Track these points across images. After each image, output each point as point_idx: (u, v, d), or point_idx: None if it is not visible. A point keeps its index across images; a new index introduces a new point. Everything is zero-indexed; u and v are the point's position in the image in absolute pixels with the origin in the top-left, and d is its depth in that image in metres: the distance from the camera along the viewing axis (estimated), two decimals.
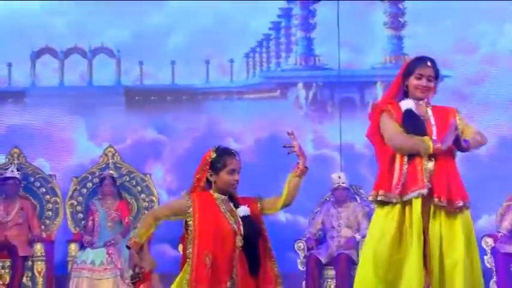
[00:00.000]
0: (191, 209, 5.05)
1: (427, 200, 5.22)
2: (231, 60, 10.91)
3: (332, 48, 10.72)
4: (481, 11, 10.63)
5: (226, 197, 5.17)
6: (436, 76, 5.42)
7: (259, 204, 5.22)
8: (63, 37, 10.84)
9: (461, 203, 5.26)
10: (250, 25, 10.89)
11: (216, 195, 5.15)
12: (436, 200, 5.21)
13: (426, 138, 5.20)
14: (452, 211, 5.24)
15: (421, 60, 5.41)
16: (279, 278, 5.14)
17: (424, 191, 5.19)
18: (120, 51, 10.89)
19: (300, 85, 10.89)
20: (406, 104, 5.33)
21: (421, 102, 5.37)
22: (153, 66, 10.93)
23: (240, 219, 5.10)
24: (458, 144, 5.20)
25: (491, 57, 10.72)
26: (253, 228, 5.10)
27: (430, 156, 5.22)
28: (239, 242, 5.05)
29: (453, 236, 5.25)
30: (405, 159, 5.23)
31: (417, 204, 5.20)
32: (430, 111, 5.37)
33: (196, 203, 5.08)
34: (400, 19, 10.81)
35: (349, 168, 10.29)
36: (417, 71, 5.37)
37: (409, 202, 5.23)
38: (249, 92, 10.92)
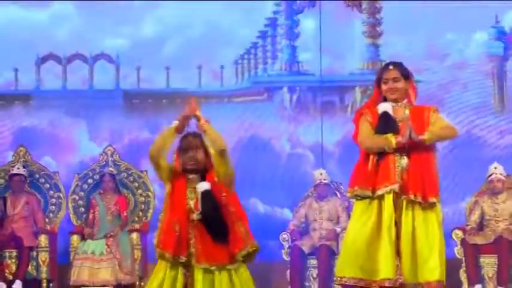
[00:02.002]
0: (170, 177, 5.16)
1: (399, 195, 5.20)
2: (222, 66, 10.88)
3: (314, 55, 10.72)
4: (451, 21, 10.63)
5: (196, 176, 5.19)
6: (404, 75, 5.42)
7: (214, 171, 5.20)
8: (66, 44, 10.79)
9: (434, 200, 5.28)
10: (239, 34, 10.87)
11: (186, 174, 5.18)
12: (411, 196, 5.20)
13: (389, 135, 5.25)
14: (426, 206, 5.23)
15: (384, 67, 5.52)
16: (248, 237, 5.13)
17: (395, 187, 5.19)
18: (119, 57, 10.84)
19: (285, 89, 10.87)
20: (383, 107, 5.35)
21: (399, 104, 5.38)
22: (149, 72, 10.90)
23: (200, 196, 5.11)
24: (411, 137, 5.20)
25: (460, 64, 10.71)
26: (210, 203, 5.08)
27: (403, 154, 5.20)
28: (195, 217, 5.08)
29: (427, 227, 5.28)
30: (376, 157, 5.26)
31: (389, 199, 5.23)
32: (407, 112, 5.35)
33: (173, 176, 5.17)
34: (377, 29, 10.81)
35: (331, 166, 10.30)
36: (383, 77, 5.45)
37: (382, 197, 5.23)
38: (238, 96, 10.90)
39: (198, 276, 5.07)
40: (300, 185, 9.87)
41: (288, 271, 9.28)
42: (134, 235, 9.41)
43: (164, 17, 10.85)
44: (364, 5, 10.81)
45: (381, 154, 5.26)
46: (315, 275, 9.29)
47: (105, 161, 9.87)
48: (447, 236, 9.13)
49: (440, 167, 10.81)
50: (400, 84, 5.40)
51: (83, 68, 10.87)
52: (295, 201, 9.88)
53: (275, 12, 10.94)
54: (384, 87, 5.41)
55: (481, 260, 8.94)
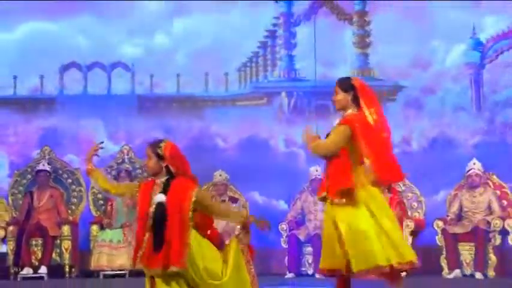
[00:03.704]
0: (135, 192, 5.10)
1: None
2: (226, 73, 10.88)
3: (310, 63, 10.71)
4: (433, 33, 10.64)
5: (161, 180, 5.06)
6: (343, 88, 5.34)
7: (194, 193, 4.99)
8: (87, 54, 10.84)
9: (337, 200, 5.23)
10: (242, 44, 10.89)
11: (157, 180, 5.08)
12: (330, 199, 5.26)
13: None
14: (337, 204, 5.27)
15: None
16: (181, 257, 4.85)
17: (324, 194, 5.26)
18: (134, 65, 10.85)
19: (283, 94, 10.87)
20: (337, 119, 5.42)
21: (345, 114, 5.35)
22: (161, 78, 10.91)
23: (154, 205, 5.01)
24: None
25: (441, 71, 10.71)
26: (159, 214, 4.93)
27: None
28: (148, 223, 4.96)
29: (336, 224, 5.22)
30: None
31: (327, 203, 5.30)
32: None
33: (141, 189, 5.07)
34: (366, 40, 10.83)
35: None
36: None
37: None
38: (241, 100, 10.90)
39: (158, 284, 4.95)
40: (294, 179, 9.92)
41: (286, 257, 9.29)
42: None
43: (175, 30, 10.88)
44: (355, 18, 10.83)
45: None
46: (310, 261, 9.30)
47: (122, 158, 9.90)
48: (429, 226, 9.16)
49: (421, 164, 10.89)
50: (338, 97, 5.35)
51: (101, 75, 10.88)
52: (290, 193, 9.92)
53: (274, 25, 10.96)
54: None
55: (460, 247, 8.92)
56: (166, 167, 5.04)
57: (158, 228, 4.90)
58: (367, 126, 5.18)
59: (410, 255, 5.14)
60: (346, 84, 5.35)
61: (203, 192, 5.09)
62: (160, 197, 4.97)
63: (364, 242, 5.08)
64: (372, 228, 5.11)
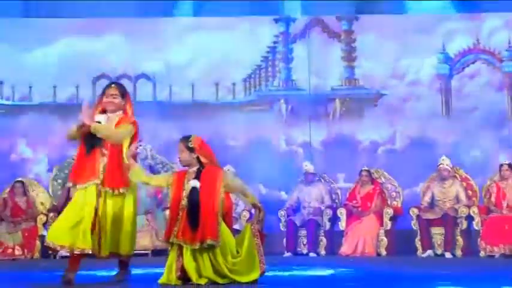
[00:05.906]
0: (170, 181, 5.11)
1: (98, 185, 5.18)
2: (234, 83, 10.88)
3: (304, 74, 10.73)
4: (408, 49, 10.67)
5: (193, 169, 5.08)
6: (122, 93, 5.36)
7: (223, 177, 5.03)
8: (115, 67, 10.79)
9: (122, 190, 5.21)
10: (247, 59, 10.87)
11: (189, 170, 5.11)
12: (107, 188, 5.19)
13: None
14: (117, 194, 5.22)
15: (108, 85, 5.43)
16: (216, 232, 4.87)
17: (98, 181, 5.16)
18: (155, 77, 10.86)
19: (282, 101, 10.86)
20: (98, 117, 5.32)
21: (115, 114, 5.35)
22: (178, 87, 10.88)
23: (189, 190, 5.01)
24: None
25: (415, 81, 10.74)
26: (193, 197, 4.93)
27: (104, 153, 5.24)
28: (181, 204, 4.97)
29: (120, 213, 5.22)
30: (84, 154, 5.24)
31: (92, 189, 5.16)
32: (117, 119, 5.32)
33: (175, 178, 5.10)
34: (352, 55, 10.84)
35: (316, 159, 10.33)
36: (105, 92, 5.37)
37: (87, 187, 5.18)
38: (247, 106, 10.90)
39: (186, 257, 4.95)
40: (292, 173, 9.94)
41: (285, 239, 9.32)
42: (167, 211, 9.42)
43: (190, 46, 10.88)
44: (342, 36, 10.87)
45: (89, 152, 5.25)
46: (305, 242, 9.32)
47: (145, 155, 9.90)
48: (406, 213, 9.20)
49: (400, 160, 10.88)
50: (117, 100, 5.34)
51: (128, 85, 10.79)
52: (289, 185, 9.93)
53: (275, 42, 10.96)
54: (103, 99, 5.37)
55: (432, 231, 8.95)
56: (197, 157, 5.10)
57: (193, 210, 4.93)
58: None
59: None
60: (122, 88, 5.39)
61: (228, 172, 5.18)
62: (194, 182, 5.02)
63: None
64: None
